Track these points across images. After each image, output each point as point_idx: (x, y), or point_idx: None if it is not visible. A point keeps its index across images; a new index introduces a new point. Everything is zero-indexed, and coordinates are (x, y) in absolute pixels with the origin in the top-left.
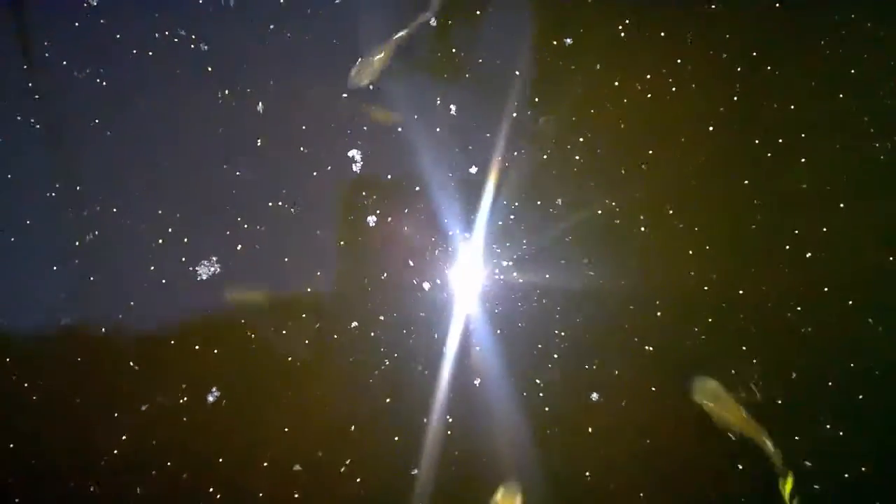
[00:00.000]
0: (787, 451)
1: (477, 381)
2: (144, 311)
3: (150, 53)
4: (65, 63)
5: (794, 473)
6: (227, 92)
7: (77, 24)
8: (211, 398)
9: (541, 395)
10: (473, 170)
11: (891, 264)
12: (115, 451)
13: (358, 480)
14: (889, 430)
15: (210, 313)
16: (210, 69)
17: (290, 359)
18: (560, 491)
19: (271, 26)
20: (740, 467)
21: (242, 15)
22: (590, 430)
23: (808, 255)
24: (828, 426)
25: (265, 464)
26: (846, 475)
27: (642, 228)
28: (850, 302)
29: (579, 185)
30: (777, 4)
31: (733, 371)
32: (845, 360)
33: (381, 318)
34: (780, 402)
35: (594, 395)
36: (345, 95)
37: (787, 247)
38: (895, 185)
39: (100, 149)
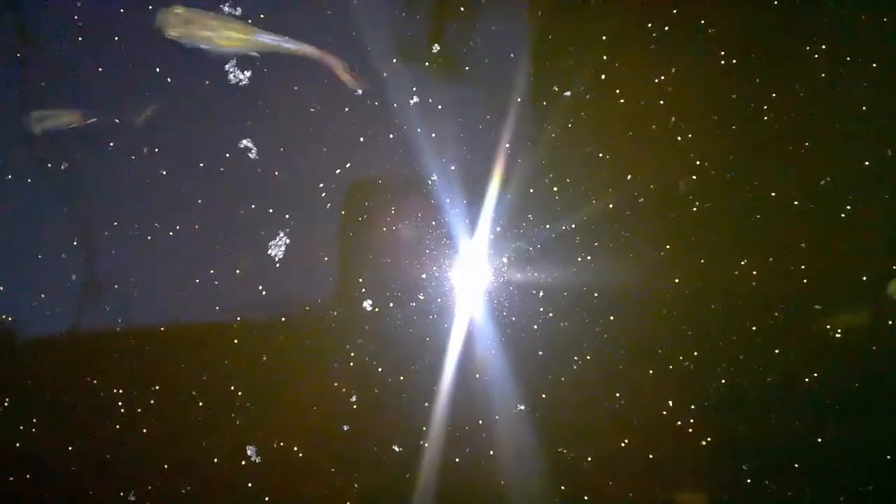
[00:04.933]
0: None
1: (479, 379)
2: (146, 311)
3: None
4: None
5: None
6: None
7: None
8: (214, 395)
9: (542, 392)
10: (475, 167)
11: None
12: (117, 450)
13: (356, 478)
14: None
15: (213, 314)
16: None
17: (289, 358)
18: (560, 489)
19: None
20: (745, 468)
21: None
22: (591, 428)
23: (812, 256)
24: (830, 429)
25: (262, 462)
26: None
27: (646, 227)
28: (854, 304)
29: (582, 183)
30: (776, 1)
31: (737, 370)
32: (847, 361)
33: (382, 315)
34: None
35: (597, 394)
36: (359, 92)
37: (791, 248)
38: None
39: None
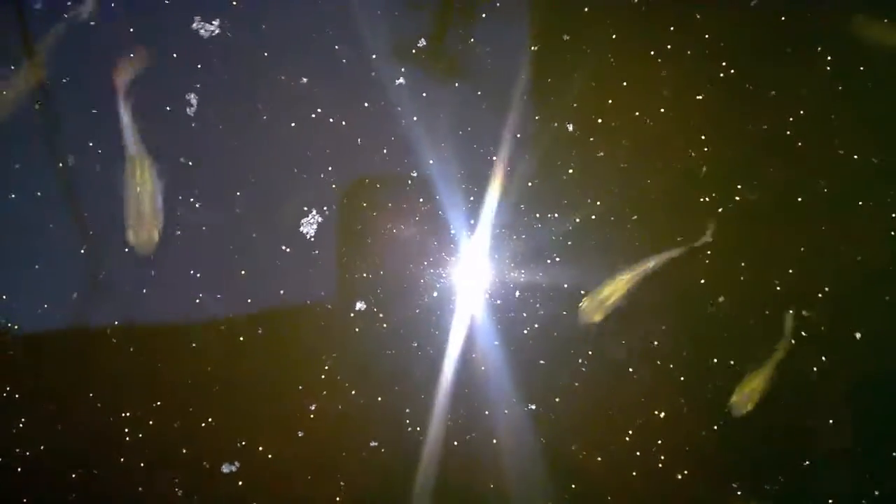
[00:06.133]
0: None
1: (479, 379)
2: (146, 309)
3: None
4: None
5: None
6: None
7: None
8: (216, 392)
9: (542, 393)
10: (476, 168)
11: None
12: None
13: (356, 477)
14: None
15: (215, 309)
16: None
17: (283, 358)
18: (560, 488)
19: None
20: (734, 486)
21: None
22: (590, 429)
23: (811, 257)
24: (830, 429)
25: (260, 459)
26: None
27: (647, 226)
28: (854, 305)
29: (582, 185)
30: (783, 18)
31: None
32: (847, 364)
33: (383, 315)
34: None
35: (595, 395)
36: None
37: (790, 250)
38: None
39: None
